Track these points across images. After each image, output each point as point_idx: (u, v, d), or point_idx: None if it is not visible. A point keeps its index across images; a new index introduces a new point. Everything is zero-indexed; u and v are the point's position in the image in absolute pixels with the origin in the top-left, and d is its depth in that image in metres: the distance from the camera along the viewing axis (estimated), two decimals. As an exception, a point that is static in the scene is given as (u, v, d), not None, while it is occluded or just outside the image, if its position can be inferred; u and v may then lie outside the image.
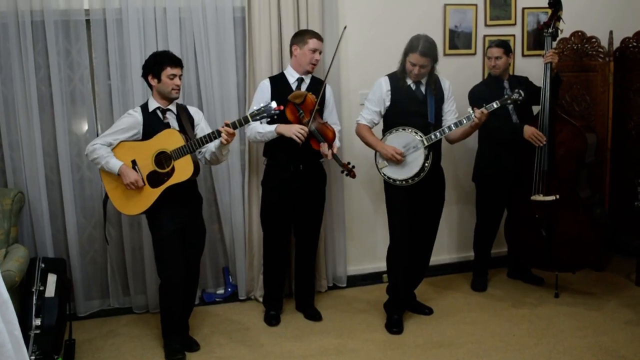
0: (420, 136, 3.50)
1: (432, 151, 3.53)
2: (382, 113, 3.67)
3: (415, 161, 3.51)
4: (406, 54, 3.52)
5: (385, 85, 3.62)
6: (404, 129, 3.54)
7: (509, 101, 3.51)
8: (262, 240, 3.97)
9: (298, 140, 3.46)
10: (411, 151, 3.52)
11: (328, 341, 3.56)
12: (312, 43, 3.61)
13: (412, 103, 3.58)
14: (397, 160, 3.52)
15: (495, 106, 3.47)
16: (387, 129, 3.65)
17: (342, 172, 3.69)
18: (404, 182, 3.56)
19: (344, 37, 4.19)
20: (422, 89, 3.60)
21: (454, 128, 3.50)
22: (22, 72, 3.72)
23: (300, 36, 3.67)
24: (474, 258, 4.43)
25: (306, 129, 3.48)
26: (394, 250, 3.72)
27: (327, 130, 3.59)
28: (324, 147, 3.55)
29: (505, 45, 4.05)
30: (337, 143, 3.63)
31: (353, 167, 3.62)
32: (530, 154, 3.94)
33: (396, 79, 3.61)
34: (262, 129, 3.58)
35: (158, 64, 3.21)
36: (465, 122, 3.47)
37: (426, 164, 3.50)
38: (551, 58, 3.86)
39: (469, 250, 4.54)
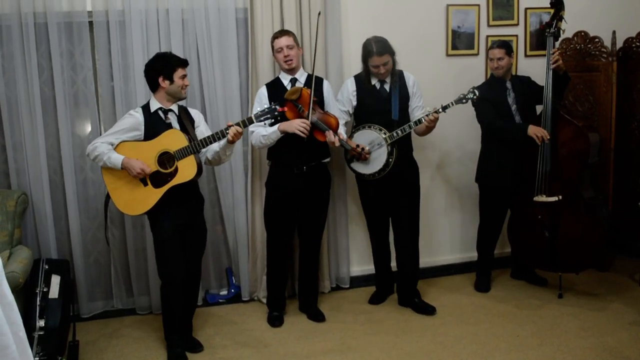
0: (385, 133, 3.68)
1: (397, 146, 3.71)
2: (351, 112, 3.89)
3: (379, 157, 3.71)
4: (365, 60, 3.74)
5: (351, 86, 3.86)
6: (369, 127, 3.75)
7: (464, 100, 3.65)
8: (265, 241, 3.97)
9: (301, 135, 3.47)
10: (376, 148, 3.71)
11: (331, 342, 3.56)
12: (276, 44, 3.70)
13: (376, 102, 3.79)
14: (363, 157, 3.73)
15: (451, 105, 3.62)
16: (355, 127, 3.86)
17: (353, 157, 3.77)
18: (370, 177, 3.76)
19: (346, 37, 4.24)
20: (387, 87, 3.80)
21: (414, 127, 3.67)
22: (26, 74, 3.73)
23: (271, 44, 3.77)
24: (477, 259, 4.43)
25: (308, 121, 3.49)
26: (370, 237, 4.15)
27: (329, 118, 3.61)
28: (329, 136, 3.55)
29: (506, 46, 4.04)
30: (342, 133, 3.64)
31: (363, 149, 3.69)
32: (533, 155, 3.93)
33: (361, 80, 3.83)
34: (266, 132, 3.59)
35: (170, 65, 3.24)
36: (423, 120, 3.62)
37: (390, 159, 3.70)
38: (556, 63, 3.83)
39: (473, 251, 4.53)
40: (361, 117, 3.86)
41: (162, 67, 3.24)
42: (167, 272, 3.31)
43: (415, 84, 3.87)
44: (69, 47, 3.84)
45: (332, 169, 4.06)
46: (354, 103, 3.86)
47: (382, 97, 3.79)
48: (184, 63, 3.30)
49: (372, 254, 4.19)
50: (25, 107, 3.75)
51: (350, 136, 3.82)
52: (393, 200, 3.90)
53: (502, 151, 4.08)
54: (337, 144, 3.57)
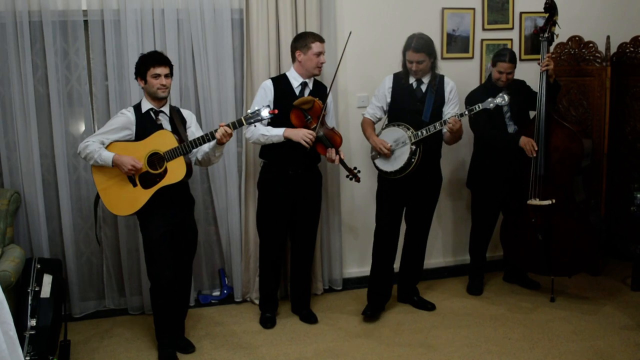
0: (411, 132, 3.65)
1: (422, 148, 3.67)
2: (385, 109, 3.87)
3: (402, 156, 3.69)
4: (404, 53, 3.72)
5: (388, 82, 3.84)
6: (398, 125, 3.74)
7: (491, 104, 3.58)
8: (258, 242, 3.96)
9: (306, 145, 3.48)
10: (400, 146, 3.70)
11: (323, 344, 3.56)
12: (316, 47, 3.60)
13: (409, 101, 3.76)
14: (383, 152, 3.70)
15: (477, 109, 3.58)
16: (386, 124, 3.86)
17: (347, 176, 3.72)
18: (392, 175, 3.73)
19: (342, 40, 4.23)
20: (423, 88, 3.76)
21: (438, 128, 3.61)
22: (20, 73, 3.71)
23: (303, 40, 3.63)
24: (469, 262, 4.44)
25: (314, 133, 3.49)
26: (376, 235, 3.95)
27: (335, 136, 3.63)
28: (331, 153, 3.58)
29: (516, 59, 4.02)
30: (342, 152, 3.66)
31: (358, 171, 3.68)
32: (527, 159, 3.94)
33: (399, 78, 3.80)
34: (267, 132, 3.57)
35: (143, 64, 3.20)
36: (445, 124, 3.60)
37: (412, 159, 3.66)
38: (546, 67, 3.83)
39: (465, 254, 4.54)
40: (393, 114, 3.84)
41: (138, 67, 3.22)
42: (155, 272, 3.30)
43: (453, 90, 3.79)
44: (64, 45, 3.83)
45: (324, 170, 4.06)
46: (388, 100, 3.83)
47: (416, 97, 3.75)
48: (158, 61, 3.17)
49: (373, 257, 3.99)
50: (19, 105, 3.74)
51: (379, 133, 3.82)
52: (411, 201, 3.88)
53: (493, 155, 4.09)
54: (337, 162, 3.59)
